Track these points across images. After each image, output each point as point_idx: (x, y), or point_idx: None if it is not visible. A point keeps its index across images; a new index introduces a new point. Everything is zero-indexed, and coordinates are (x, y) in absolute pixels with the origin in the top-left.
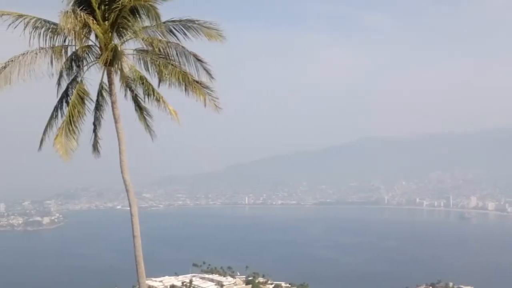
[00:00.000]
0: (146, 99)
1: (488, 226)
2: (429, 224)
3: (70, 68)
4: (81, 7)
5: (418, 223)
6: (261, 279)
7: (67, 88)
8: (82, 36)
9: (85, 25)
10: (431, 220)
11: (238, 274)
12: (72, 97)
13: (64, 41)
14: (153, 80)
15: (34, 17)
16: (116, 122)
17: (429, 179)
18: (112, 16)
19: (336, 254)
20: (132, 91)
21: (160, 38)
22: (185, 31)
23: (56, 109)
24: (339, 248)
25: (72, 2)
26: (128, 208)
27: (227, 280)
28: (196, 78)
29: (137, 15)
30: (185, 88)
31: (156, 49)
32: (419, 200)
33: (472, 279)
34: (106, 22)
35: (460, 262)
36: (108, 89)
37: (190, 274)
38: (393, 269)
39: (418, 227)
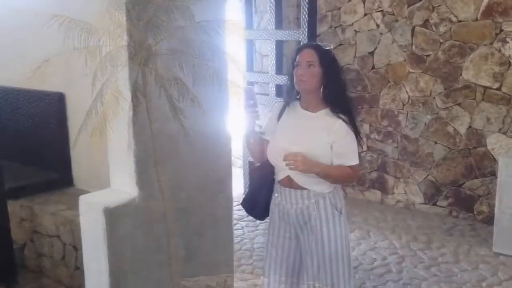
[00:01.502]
0: (181, 99)
1: None
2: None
3: (104, 68)
4: (115, 7)
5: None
6: None
7: (102, 88)
8: (117, 36)
9: (120, 25)
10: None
11: None
12: (107, 97)
13: (99, 41)
14: (188, 80)
15: (68, 17)
16: (150, 122)
17: None
18: (147, 16)
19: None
20: (166, 91)
21: (194, 38)
22: (218, 30)
23: (91, 109)
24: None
25: (106, 2)
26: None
27: (260, 280)
28: (230, 78)
29: (171, 15)
30: (219, 88)
31: (190, 49)
32: None
33: None
34: (141, 22)
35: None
36: (142, 89)
37: (225, 274)
38: (423, 268)
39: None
